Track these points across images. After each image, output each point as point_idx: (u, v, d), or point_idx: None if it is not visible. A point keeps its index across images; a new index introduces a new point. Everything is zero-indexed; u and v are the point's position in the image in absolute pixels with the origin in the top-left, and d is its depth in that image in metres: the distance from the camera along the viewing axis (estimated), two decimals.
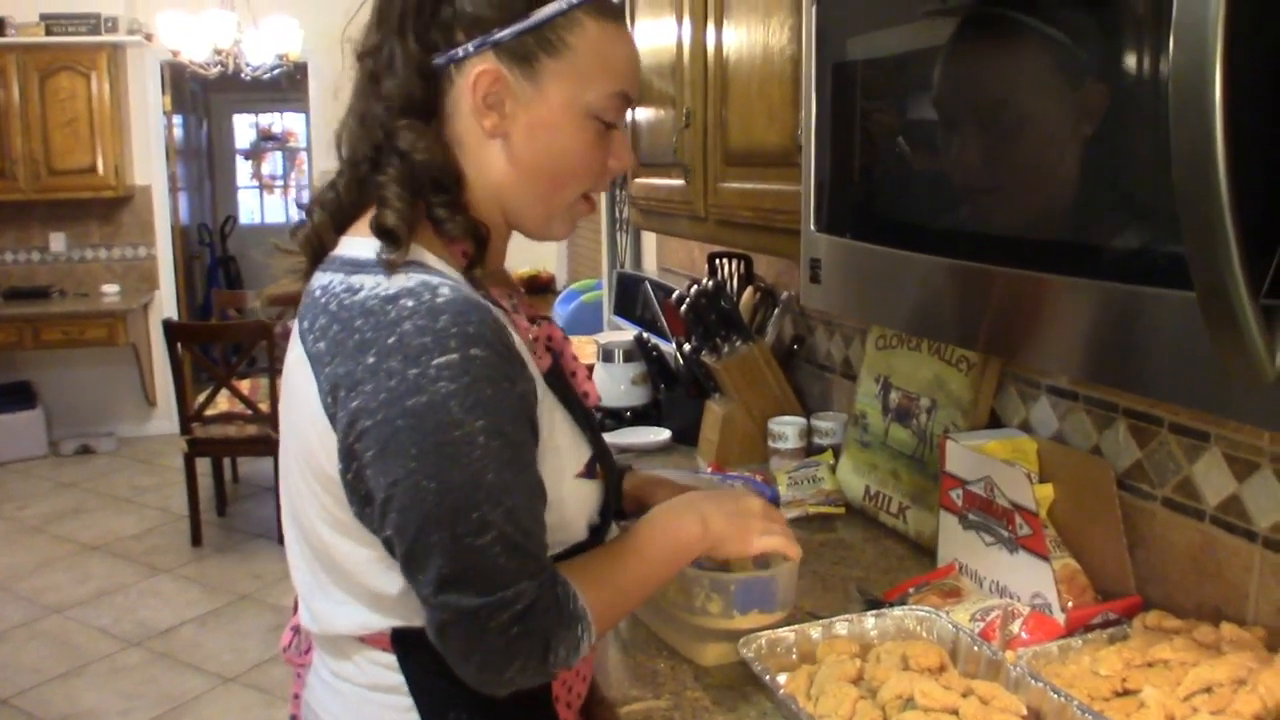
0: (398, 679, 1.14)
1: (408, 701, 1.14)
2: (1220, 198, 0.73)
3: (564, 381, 1.20)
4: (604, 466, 1.21)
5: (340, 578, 1.12)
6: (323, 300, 1.06)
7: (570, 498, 1.14)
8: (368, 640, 1.13)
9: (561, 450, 1.13)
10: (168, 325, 4.90)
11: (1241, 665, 1.23)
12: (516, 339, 1.07)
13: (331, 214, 1.14)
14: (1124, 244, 0.95)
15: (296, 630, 1.29)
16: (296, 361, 1.08)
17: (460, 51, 1.08)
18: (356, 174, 1.12)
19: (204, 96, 9.58)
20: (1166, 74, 0.76)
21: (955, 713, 1.21)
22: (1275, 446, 1.31)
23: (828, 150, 1.39)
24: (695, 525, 1.22)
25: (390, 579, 1.08)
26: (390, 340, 0.98)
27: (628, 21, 1.17)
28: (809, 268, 1.42)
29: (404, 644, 1.12)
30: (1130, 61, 0.93)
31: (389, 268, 1.03)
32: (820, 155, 1.40)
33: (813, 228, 1.42)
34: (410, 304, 1.00)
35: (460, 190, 1.12)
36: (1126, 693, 1.27)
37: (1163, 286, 0.88)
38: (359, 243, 1.08)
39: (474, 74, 1.07)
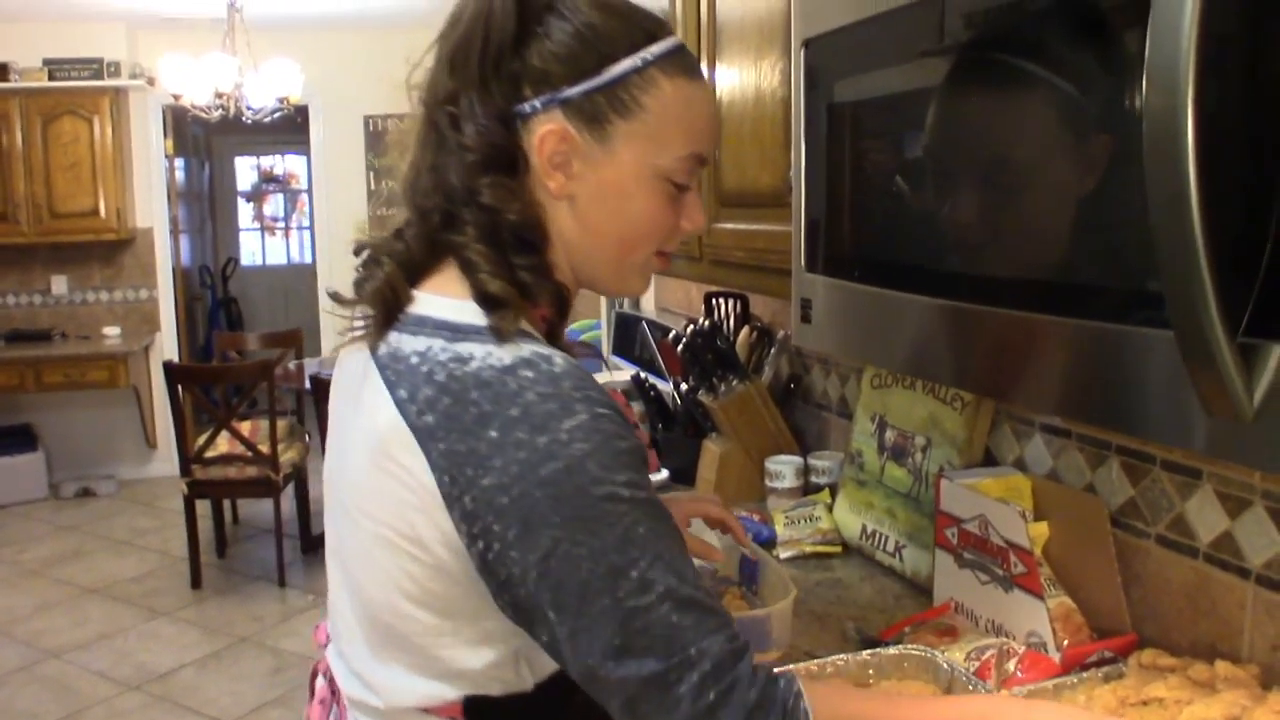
0: None
1: None
2: (1194, 238, 0.74)
3: None
4: None
5: (411, 652, 1.05)
6: (424, 368, 0.97)
7: None
8: (434, 710, 1.06)
9: None
10: (168, 367, 4.92)
11: (1235, 703, 1.23)
12: None
13: (402, 264, 1.05)
14: (1109, 284, 0.96)
15: (327, 704, 1.21)
16: (390, 430, 0.98)
17: (527, 108, 1.02)
18: (428, 227, 1.05)
19: (206, 139, 9.65)
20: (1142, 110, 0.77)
21: None
22: (1266, 484, 1.32)
23: (818, 191, 1.41)
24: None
25: (475, 654, 1.02)
26: (513, 412, 0.92)
27: (702, 75, 1.11)
28: (800, 308, 1.43)
29: (477, 712, 1.05)
30: (1110, 104, 0.95)
31: (500, 336, 0.97)
32: (811, 196, 1.42)
33: (804, 268, 1.44)
34: (530, 374, 0.94)
35: (546, 251, 1.05)
36: None
37: (1146, 326, 0.88)
38: (448, 304, 1.01)
39: (540, 133, 1.01)
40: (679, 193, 1.07)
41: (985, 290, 1.11)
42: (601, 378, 2.87)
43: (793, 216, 1.45)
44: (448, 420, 0.94)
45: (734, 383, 2.29)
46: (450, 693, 1.04)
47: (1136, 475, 1.51)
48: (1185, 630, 1.45)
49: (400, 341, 1.01)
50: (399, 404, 0.97)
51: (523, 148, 1.02)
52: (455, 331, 0.99)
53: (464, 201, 1.01)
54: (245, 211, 10.93)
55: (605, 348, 3.51)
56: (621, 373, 2.95)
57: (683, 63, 1.06)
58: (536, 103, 1.01)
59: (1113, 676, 1.38)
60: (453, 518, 0.94)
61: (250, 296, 9.92)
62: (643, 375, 2.75)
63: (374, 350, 1.03)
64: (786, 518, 2.05)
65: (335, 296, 1.10)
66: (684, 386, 2.44)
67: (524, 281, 1.02)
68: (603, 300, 3.72)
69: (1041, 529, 1.60)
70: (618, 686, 0.93)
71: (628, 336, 3.19)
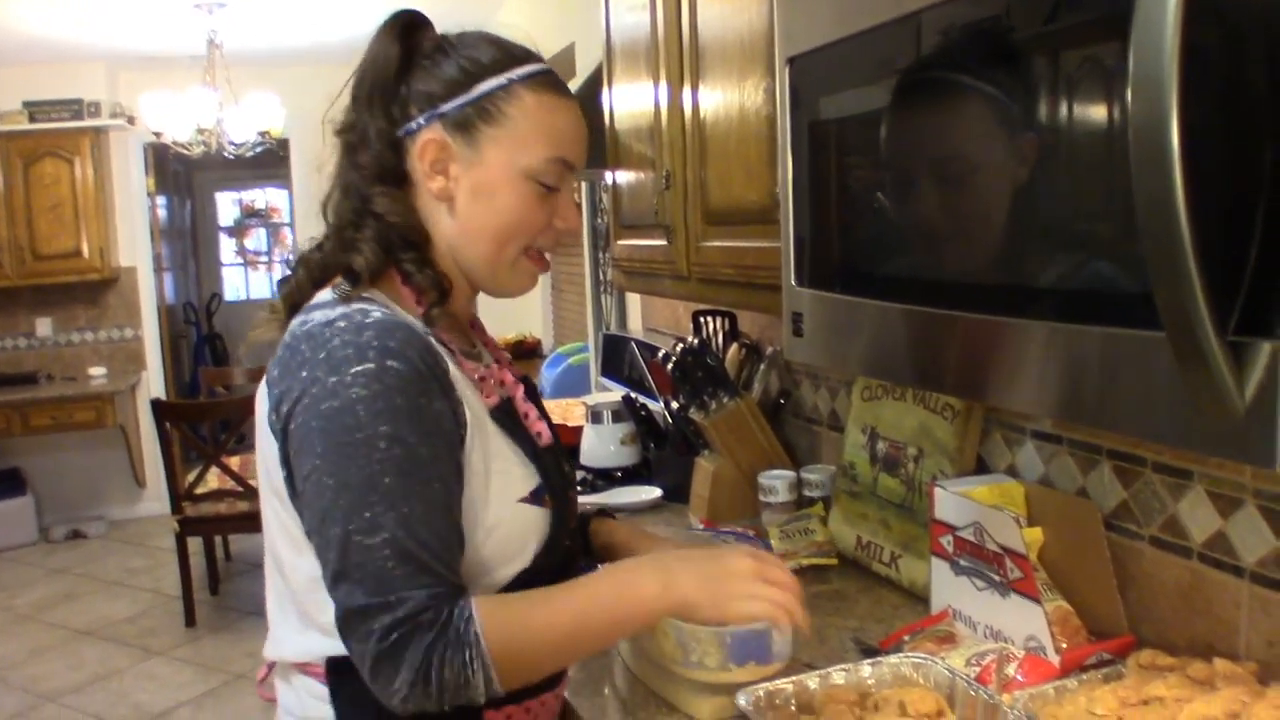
0: (326, 711, 1.18)
1: None
2: (1182, 239, 0.75)
3: (514, 419, 1.28)
4: (554, 498, 1.26)
5: (294, 600, 1.19)
6: (287, 336, 1.15)
7: (513, 520, 1.21)
8: (307, 670, 1.20)
9: (507, 475, 1.22)
10: (156, 405, 4.90)
11: (1235, 699, 1.24)
12: (455, 371, 1.18)
13: (311, 271, 1.24)
14: (1100, 287, 0.97)
15: (271, 666, 1.32)
16: (259, 391, 1.18)
17: (414, 124, 1.22)
18: (341, 238, 1.23)
19: (187, 175, 9.66)
20: (1128, 121, 0.79)
21: None
22: (1258, 483, 1.33)
23: (805, 206, 1.42)
24: (653, 584, 1.17)
25: (328, 600, 1.11)
26: (320, 355, 1.09)
27: (569, 94, 1.28)
28: (791, 321, 1.45)
29: (337, 674, 1.16)
30: (1091, 115, 0.97)
31: (343, 300, 1.14)
32: (798, 211, 1.43)
33: (793, 282, 1.45)
34: (342, 324, 1.10)
35: (427, 248, 1.25)
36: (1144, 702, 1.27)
37: (1137, 328, 0.90)
38: (328, 291, 1.19)
39: (422, 142, 1.21)
40: (549, 194, 1.24)
41: (972, 296, 1.13)
42: (590, 399, 2.87)
43: (781, 232, 1.46)
44: (282, 367, 1.13)
45: (724, 400, 2.30)
46: (319, 647, 1.17)
47: (1128, 478, 1.53)
48: (1182, 630, 1.46)
49: (291, 327, 1.17)
50: (270, 365, 1.16)
51: (407, 168, 1.23)
52: (315, 306, 1.17)
53: (364, 211, 1.22)
54: (227, 246, 10.92)
55: (593, 369, 3.52)
56: (611, 394, 2.96)
57: (547, 81, 1.25)
58: (420, 119, 1.22)
59: (1112, 678, 1.39)
60: (280, 449, 1.13)
61: (235, 331, 9.89)
62: (633, 395, 2.76)
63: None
64: (781, 531, 2.06)
65: (271, 306, 1.27)
66: (674, 405, 2.45)
67: (408, 271, 1.22)
68: (590, 323, 3.73)
69: (1036, 534, 1.61)
70: (335, 605, 1.08)
71: (616, 357, 3.20)
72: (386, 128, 1.22)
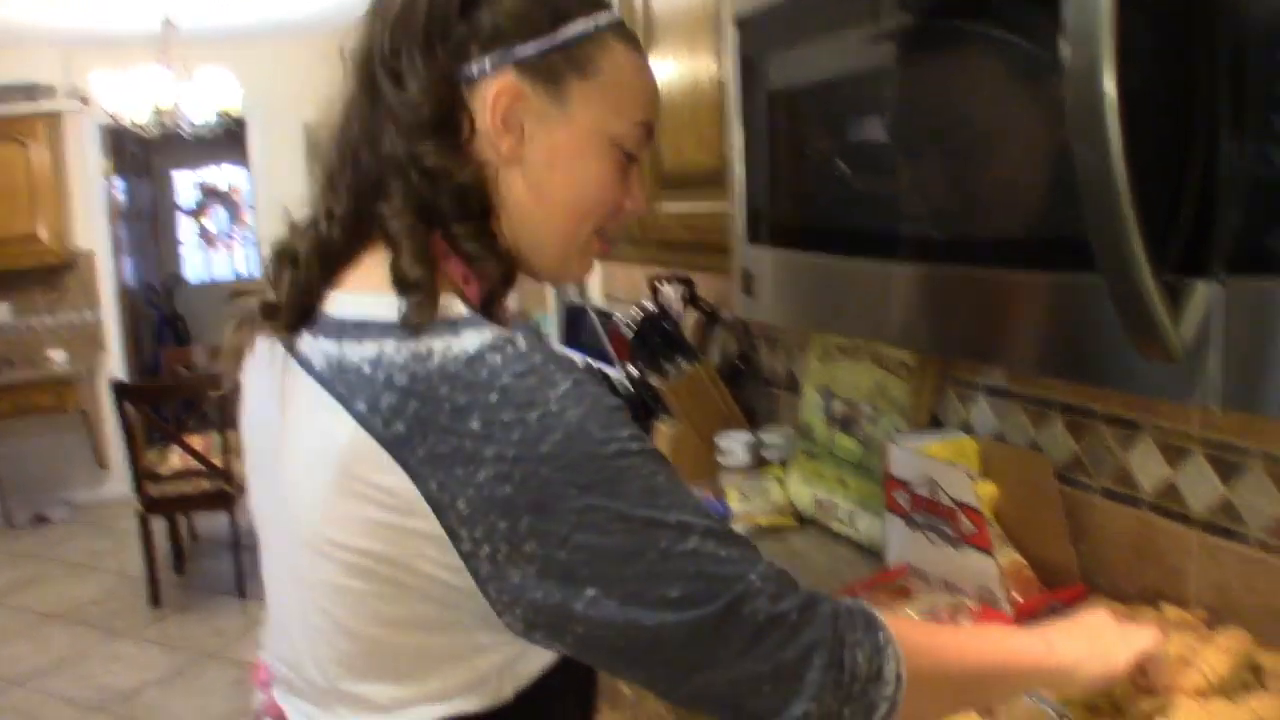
0: None
1: None
2: (1117, 182, 0.76)
3: None
4: None
5: (390, 680, 0.96)
6: (380, 376, 0.87)
7: None
8: None
9: None
10: (116, 386, 4.85)
11: (1184, 645, 1.25)
12: None
13: (320, 256, 0.97)
14: (1044, 234, 0.98)
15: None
16: (354, 450, 0.88)
17: (478, 68, 0.95)
18: (356, 203, 0.97)
19: (145, 156, 9.53)
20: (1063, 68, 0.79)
21: None
22: (1205, 432, 1.35)
23: (755, 163, 1.42)
24: (1037, 644, 1.06)
25: (459, 670, 0.94)
26: (492, 398, 0.84)
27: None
28: (742, 280, 1.45)
29: None
30: (1041, 59, 0.97)
31: (419, 330, 0.88)
32: (750, 168, 1.43)
33: (745, 240, 1.45)
34: (498, 359, 0.86)
35: (489, 219, 0.98)
36: None
37: (1078, 273, 0.90)
38: (379, 302, 0.91)
39: (494, 91, 0.95)
40: (629, 164, 1.03)
41: (925, 249, 1.13)
42: None
43: (731, 189, 1.46)
44: (421, 424, 0.85)
45: (682, 365, 2.30)
46: (425, 716, 0.95)
47: (1079, 431, 1.54)
48: (1133, 579, 1.48)
49: (344, 351, 0.91)
50: (360, 418, 0.87)
51: (469, 109, 0.95)
52: (405, 330, 0.89)
53: (397, 170, 0.94)
54: (188, 227, 10.81)
55: (555, 339, 3.51)
56: None
57: (628, 33, 1.03)
58: (486, 62, 0.95)
59: None
60: (446, 528, 0.85)
61: (197, 312, 9.79)
62: (592, 363, 2.76)
63: (305, 363, 0.94)
64: (740, 493, 2.06)
65: (238, 291, 1.02)
66: (633, 371, 2.45)
67: (468, 251, 0.95)
68: (550, 293, 3.72)
69: (990, 488, 1.62)
70: (683, 642, 0.86)
71: (576, 326, 3.19)
72: (446, 65, 0.95)
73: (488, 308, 0.96)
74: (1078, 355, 0.96)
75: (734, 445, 2.19)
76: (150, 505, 4.86)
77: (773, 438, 2.18)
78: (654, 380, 2.33)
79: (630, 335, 2.36)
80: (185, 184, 10.73)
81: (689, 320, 2.56)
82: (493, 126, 0.95)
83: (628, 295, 3.25)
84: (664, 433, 2.34)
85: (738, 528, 1.95)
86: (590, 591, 0.84)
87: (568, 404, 0.84)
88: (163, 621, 4.90)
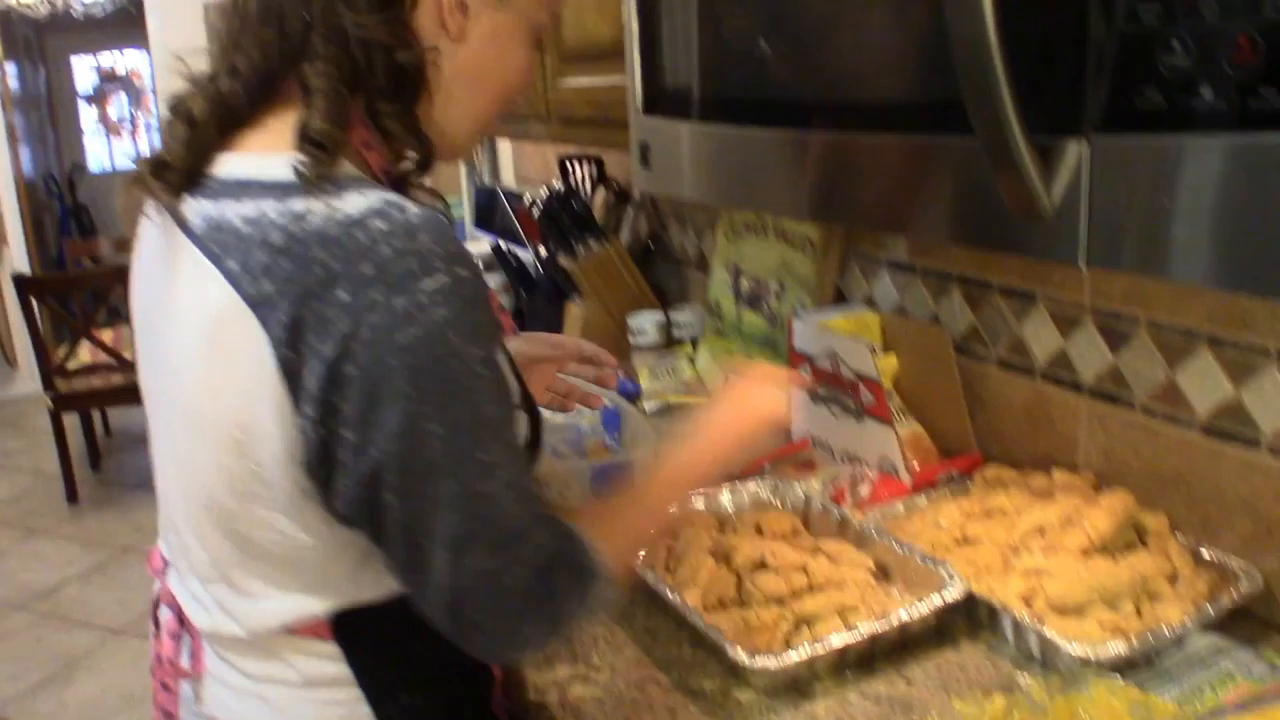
0: (340, 669, 1.00)
1: (354, 693, 1.01)
2: (989, 40, 0.76)
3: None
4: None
5: (268, 565, 0.95)
6: (256, 235, 0.85)
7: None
8: (300, 632, 0.98)
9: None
10: (18, 280, 4.70)
11: (1070, 506, 1.30)
12: None
13: (219, 112, 0.93)
14: (928, 97, 0.97)
15: (178, 638, 1.08)
16: (222, 309, 0.86)
17: None
18: (269, 64, 0.92)
19: (39, 40, 9.12)
20: None
21: (805, 570, 1.26)
22: (1096, 300, 1.37)
23: (648, 32, 1.39)
24: (715, 472, 1.15)
25: (342, 557, 0.95)
26: (365, 269, 0.82)
27: None
28: (639, 151, 1.43)
29: (348, 628, 0.98)
30: None
31: (311, 186, 0.85)
32: (643, 37, 1.40)
33: (638, 111, 1.43)
34: (382, 225, 0.83)
35: (419, 98, 0.96)
36: (967, 541, 1.33)
37: (957, 134, 0.90)
38: (273, 161, 0.89)
39: None
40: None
41: (816, 116, 1.12)
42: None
43: (625, 61, 1.43)
44: (289, 285, 0.82)
45: (592, 244, 2.29)
46: (317, 606, 0.97)
47: (976, 302, 1.56)
48: (1026, 446, 1.51)
49: (223, 210, 0.88)
50: (229, 276, 0.85)
51: None
52: (285, 190, 0.86)
53: (331, 36, 0.89)
54: (88, 115, 10.41)
55: (467, 222, 3.46)
56: (480, 243, 2.92)
57: None
58: None
59: (960, 494, 1.45)
60: (293, 398, 0.84)
61: (101, 202, 9.48)
62: (503, 245, 2.73)
63: (184, 224, 0.91)
64: (650, 371, 2.07)
65: (137, 165, 0.95)
66: (543, 252, 2.43)
67: (388, 129, 0.94)
68: (463, 175, 3.66)
69: (891, 362, 1.64)
70: (449, 579, 0.88)
71: (488, 209, 3.15)
72: None
73: (399, 189, 0.95)
74: (960, 217, 0.96)
75: (645, 325, 2.19)
76: (61, 402, 4.76)
77: (683, 316, 2.19)
78: (564, 260, 2.31)
79: (538, 215, 2.33)
80: (83, 70, 10.30)
81: (599, 200, 2.54)
82: (445, 2, 0.94)
83: (540, 176, 3.21)
84: (575, 313, 2.33)
85: (649, 405, 1.96)
86: (390, 499, 0.86)
87: (437, 300, 0.82)
88: (80, 518, 4.86)
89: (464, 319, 0.84)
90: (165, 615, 1.09)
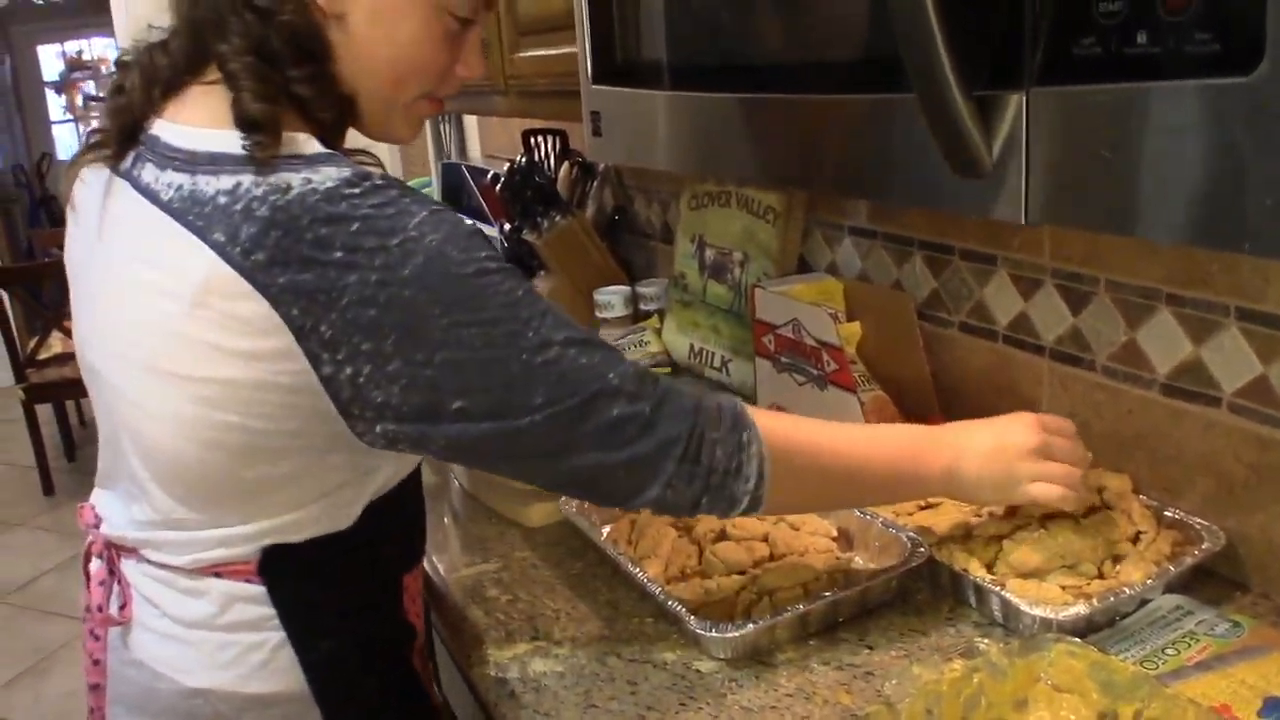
0: (265, 611, 1.02)
1: (278, 636, 1.03)
2: None
3: None
4: None
5: (224, 507, 0.99)
6: (238, 207, 0.88)
7: None
8: (225, 574, 1.01)
9: None
10: None
11: None
12: None
13: (146, 85, 0.98)
14: (872, 54, 0.96)
15: (108, 586, 1.10)
16: (210, 279, 0.88)
17: None
18: (195, 42, 0.96)
19: (2, 29, 9.01)
20: None
21: (767, 539, 1.25)
22: (1056, 263, 1.37)
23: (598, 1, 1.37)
24: (944, 458, 1.12)
25: (304, 494, 0.98)
26: (354, 228, 0.86)
27: None
28: (591, 121, 1.41)
29: (273, 569, 1.01)
30: None
31: (260, 165, 0.89)
32: (593, 6, 1.38)
33: (588, 79, 1.41)
34: (355, 191, 0.88)
35: (327, 63, 0.97)
36: (929, 506, 1.33)
37: (897, 92, 0.89)
38: (224, 136, 0.92)
39: None
40: (461, 30, 1.02)
41: (767, 79, 1.10)
42: None
43: (576, 29, 1.41)
44: (283, 253, 0.86)
45: (557, 219, 2.27)
46: (244, 546, 1.00)
47: (938, 267, 1.55)
48: (990, 410, 1.48)
49: (198, 183, 0.91)
50: (217, 248, 0.88)
51: None
52: (262, 164, 0.90)
53: (232, 8, 0.93)
54: (56, 104, 10.29)
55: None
56: None
57: None
58: None
59: None
60: (307, 353, 0.88)
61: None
62: (469, 221, 2.71)
63: (153, 196, 0.93)
64: (618, 345, 2.05)
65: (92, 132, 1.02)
66: (508, 227, 2.41)
67: (302, 95, 0.95)
68: (431, 154, 3.63)
69: (854, 328, 1.63)
70: (545, 438, 0.92)
71: (455, 186, 3.12)
72: None
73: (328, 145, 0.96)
74: (907, 178, 0.95)
75: (611, 299, 2.17)
76: (34, 393, 4.74)
77: (650, 289, 2.17)
78: (528, 235, 2.29)
79: (501, 189, 2.31)
80: (49, 57, 10.18)
81: (563, 174, 2.52)
82: None
83: (507, 151, 3.18)
84: (540, 288, 2.31)
85: None
86: (457, 403, 0.90)
87: (426, 229, 0.87)
88: (56, 510, 4.83)
89: (455, 235, 0.89)
90: (95, 566, 1.12)
